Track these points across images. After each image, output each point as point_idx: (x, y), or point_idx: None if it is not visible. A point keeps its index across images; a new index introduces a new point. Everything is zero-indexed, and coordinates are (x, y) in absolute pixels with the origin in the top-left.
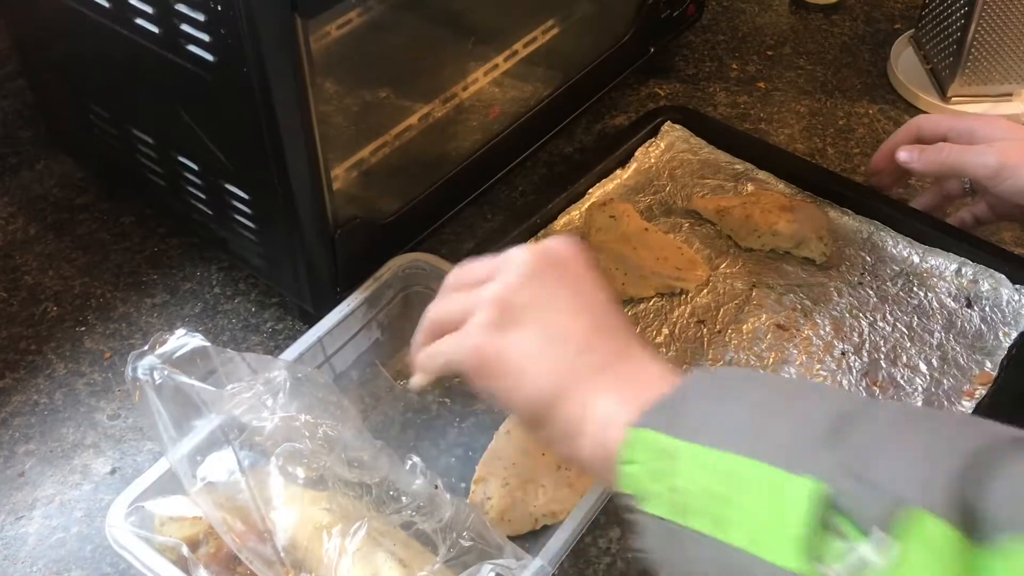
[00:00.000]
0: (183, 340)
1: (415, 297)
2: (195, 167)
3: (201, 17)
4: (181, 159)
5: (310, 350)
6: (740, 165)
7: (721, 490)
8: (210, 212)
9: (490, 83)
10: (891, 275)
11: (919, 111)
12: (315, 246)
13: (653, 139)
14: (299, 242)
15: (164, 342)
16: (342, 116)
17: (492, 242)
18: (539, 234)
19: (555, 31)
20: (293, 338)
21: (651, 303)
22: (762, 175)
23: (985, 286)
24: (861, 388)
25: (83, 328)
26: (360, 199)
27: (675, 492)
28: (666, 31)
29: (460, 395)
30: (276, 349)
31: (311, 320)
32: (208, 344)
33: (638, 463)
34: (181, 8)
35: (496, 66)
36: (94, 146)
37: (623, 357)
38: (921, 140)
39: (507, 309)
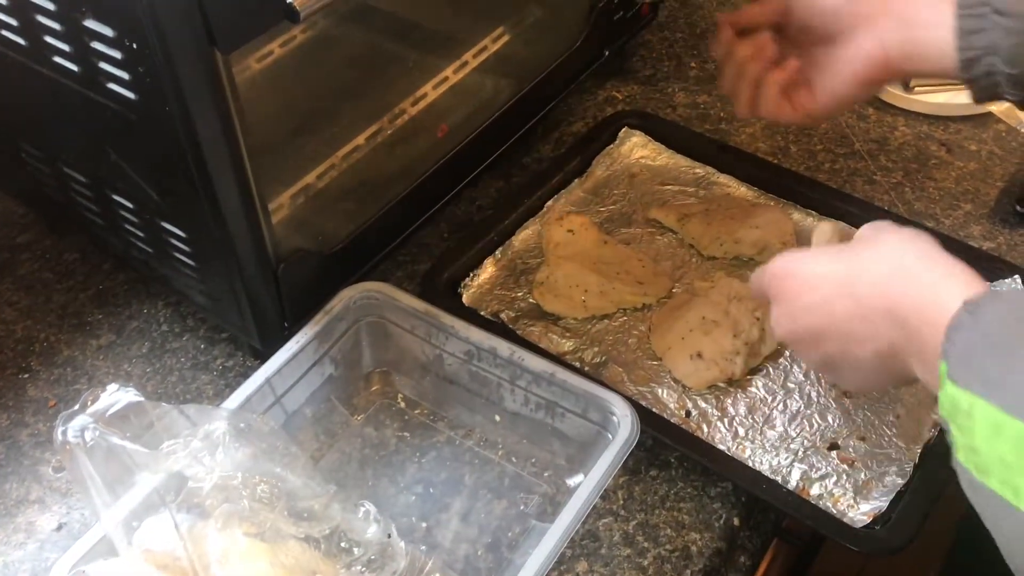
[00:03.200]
0: (116, 396)
1: (368, 328)
2: (130, 205)
3: (118, 55)
4: (115, 197)
5: (258, 392)
6: (700, 169)
7: (1012, 459)
8: (149, 250)
9: (440, 96)
10: None
11: (882, 103)
12: (257, 282)
13: (611, 146)
14: (240, 280)
15: (97, 398)
16: (281, 142)
17: (449, 262)
18: (497, 251)
19: (505, 39)
20: (245, 375)
21: (614, 319)
22: (723, 179)
23: None
24: (831, 397)
25: (26, 375)
26: (308, 227)
27: (974, 451)
28: (620, 33)
29: (419, 428)
30: (227, 388)
31: (262, 355)
32: (142, 399)
33: (945, 410)
34: (97, 47)
35: (446, 78)
36: (31, 183)
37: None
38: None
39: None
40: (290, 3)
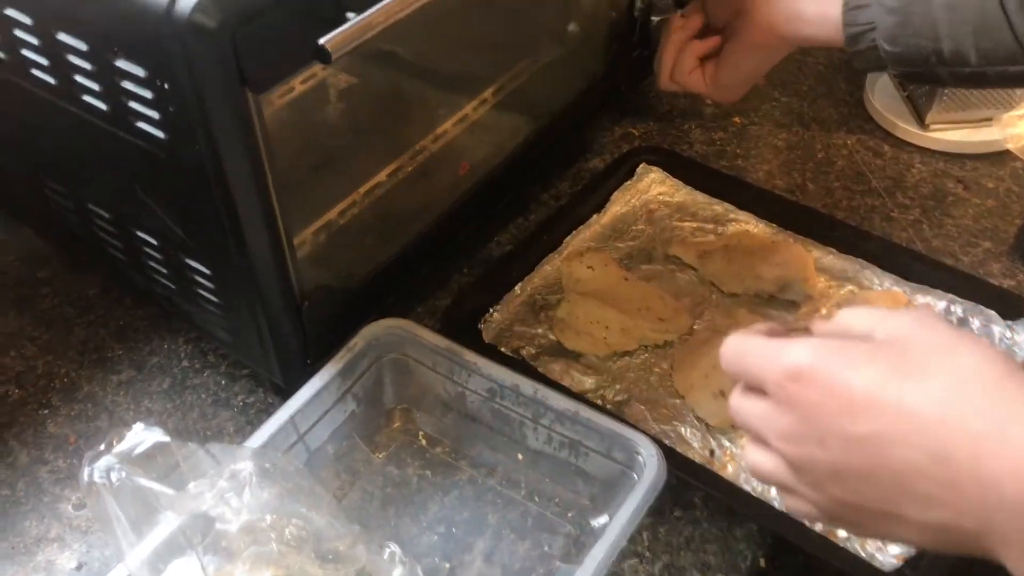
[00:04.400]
0: (142, 436)
1: (391, 365)
2: (154, 242)
3: (149, 95)
4: (139, 234)
5: (281, 430)
6: (719, 206)
7: None
8: (172, 286)
9: (460, 133)
10: None
11: (898, 140)
12: (282, 320)
13: (629, 181)
14: (264, 317)
15: (122, 438)
16: (305, 179)
17: (469, 299)
18: (516, 287)
19: (524, 76)
20: (266, 411)
21: (635, 356)
22: (742, 216)
23: (975, 323)
24: None
25: (46, 411)
26: (329, 263)
27: None
28: (638, 70)
29: (441, 466)
30: (248, 425)
31: (283, 391)
32: (168, 439)
33: None
34: (128, 86)
35: (465, 116)
36: (53, 219)
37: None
38: None
39: None
40: (322, 44)
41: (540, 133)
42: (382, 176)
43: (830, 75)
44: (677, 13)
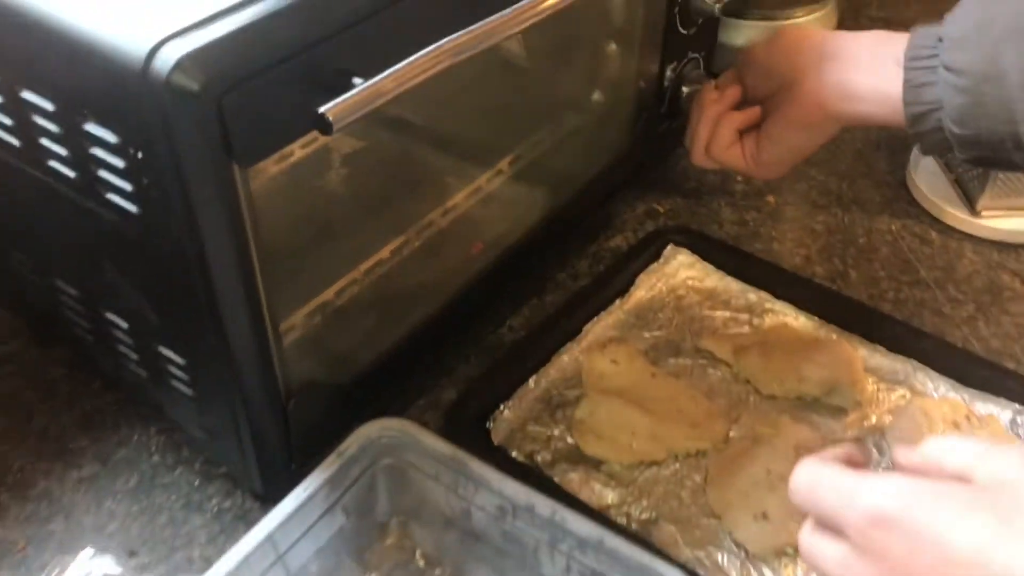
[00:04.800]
0: (88, 566)
1: (386, 472)
2: (124, 325)
3: (120, 163)
4: (108, 315)
5: (258, 549)
6: (754, 294)
7: None
8: (143, 374)
9: (473, 206)
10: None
11: (946, 227)
12: (263, 420)
13: (655, 264)
14: (244, 416)
15: (65, 568)
16: (299, 255)
17: (476, 393)
18: (530, 380)
19: (544, 147)
20: (243, 518)
21: (665, 467)
22: (779, 306)
23: None
24: None
25: None
26: (321, 352)
27: None
28: (664, 144)
29: None
30: (222, 534)
31: (264, 496)
32: (118, 571)
33: None
34: (98, 153)
35: (479, 188)
36: (20, 291)
37: None
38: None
39: None
40: (322, 113)
41: (560, 209)
42: (385, 252)
43: (869, 152)
44: (711, 83)
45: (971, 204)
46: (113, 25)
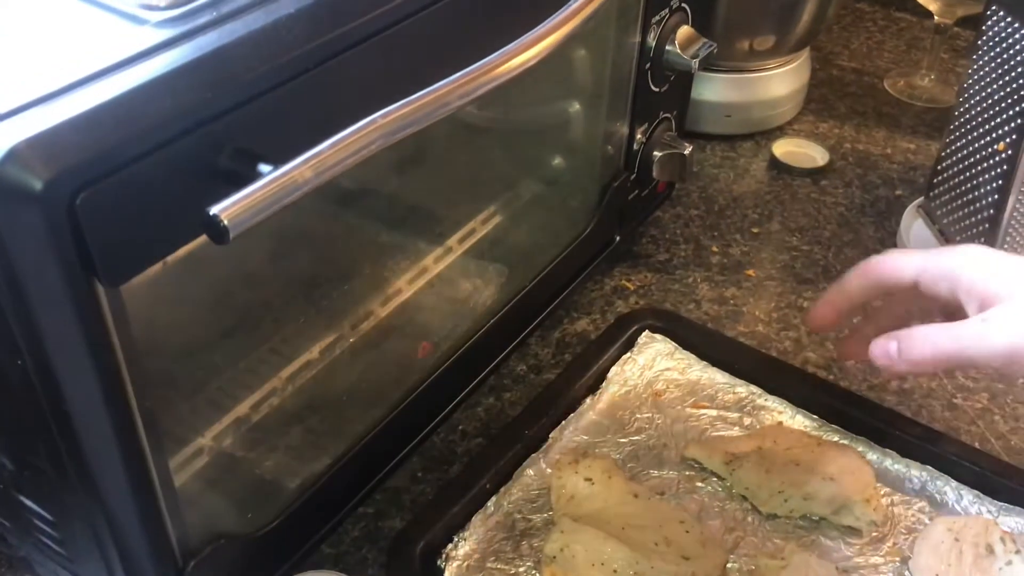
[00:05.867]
0: None
1: None
2: None
3: None
4: None
5: None
6: (743, 388)
7: None
8: (7, 524)
9: (417, 293)
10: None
11: None
12: None
13: (628, 353)
14: None
15: None
16: (198, 363)
17: (426, 524)
18: (489, 503)
19: (499, 220)
20: None
21: None
22: (772, 402)
23: None
24: None
25: None
26: (232, 487)
27: None
28: (634, 214)
29: None
30: None
31: None
32: None
33: None
34: None
35: (425, 270)
36: None
37: None
38: (884, 291)
39: None
40: (214, 215)
41: (519, 294)
42: (313, 352)
43: (854, 217)
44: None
45: None
46: None
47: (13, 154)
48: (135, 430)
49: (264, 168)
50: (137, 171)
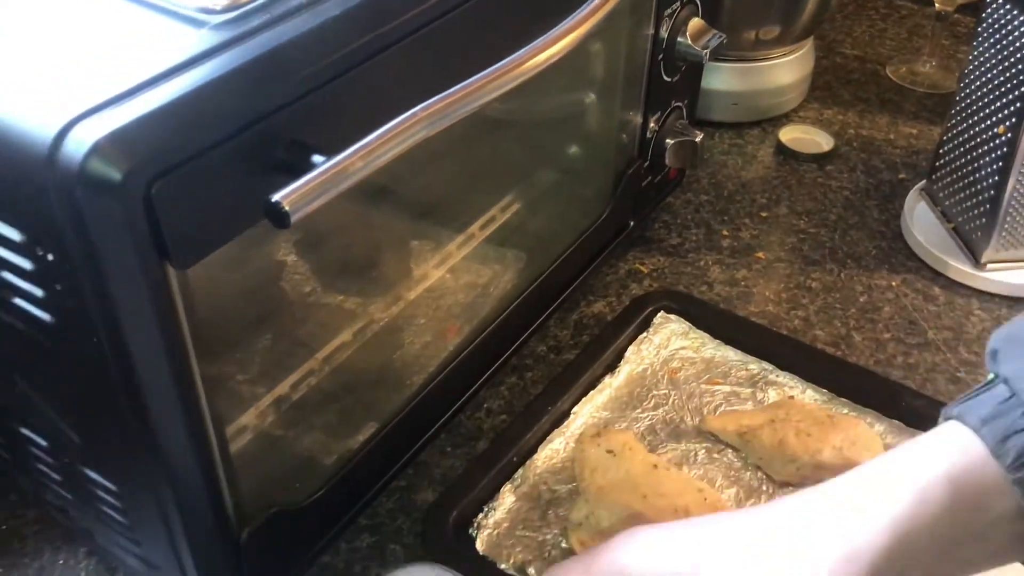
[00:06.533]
0: None
1: None
2: (43, 444)
3: (28, 266)
4: (24, 432)
5: None
6: (755, 365)
7: None
8: (68, 496)
9: (442, 277)
10: None
11: (949, 281)
12: (212, 554)
13: (644, 333)
14: (188, 549)
15: None
16: (244, 347)
17: (457, 495)
18: (516, 475)
19: (518, 208)
20: None
21: None
22: (783, 377)
23: None
24: None
25: None
26: (277, 460)
27: None
28: (647, 200)
29: None
30: None
31: None
32: None
33: None
34: (1, 253)
35: (449, 255)
36: None
37: None
38: None
39: None
40: (276, 202)
41: (539, 276)
42: (347, 335)
43: (859, 202)
44: None
45: (974, 256)
46: (12, 103)
47: (96, 148)
48: (198, 400)
49: (318, 159)
50: (204, 163)
